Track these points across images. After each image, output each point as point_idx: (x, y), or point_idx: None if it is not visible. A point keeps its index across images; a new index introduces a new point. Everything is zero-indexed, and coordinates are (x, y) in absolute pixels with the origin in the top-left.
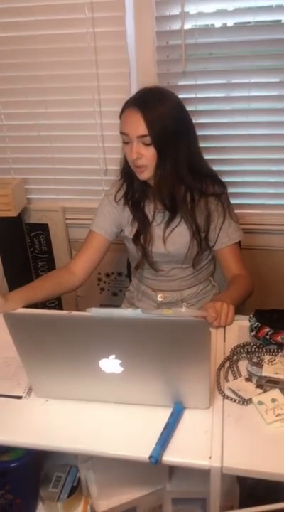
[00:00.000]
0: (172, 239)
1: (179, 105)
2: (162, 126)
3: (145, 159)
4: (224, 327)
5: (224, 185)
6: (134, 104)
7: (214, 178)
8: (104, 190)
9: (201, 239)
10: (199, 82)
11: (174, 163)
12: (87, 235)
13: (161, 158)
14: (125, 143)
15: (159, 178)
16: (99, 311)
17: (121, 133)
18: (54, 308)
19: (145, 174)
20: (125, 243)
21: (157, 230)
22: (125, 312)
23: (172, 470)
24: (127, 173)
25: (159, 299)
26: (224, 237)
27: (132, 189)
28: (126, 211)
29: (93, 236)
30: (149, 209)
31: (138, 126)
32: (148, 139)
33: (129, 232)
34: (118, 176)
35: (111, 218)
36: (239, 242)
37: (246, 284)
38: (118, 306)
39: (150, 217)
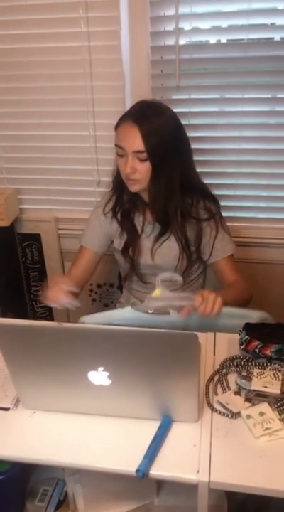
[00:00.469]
0: (161, 252)
1: (175, 120)
2: (159, 143)
3: (139, 174)
4: (214, 335)
5: (216, 201)
6: (132, 118)
7: (205, 192)
8: (97, 201)
9: (190, 253)
10: (192, 97)
11: (168, 179)
12: (79, 249)
13: (156, 173)
14: (119, 155)
15: (153, 192)
16: (92, 317)
17: (117, 145)
18: (45, 318)
19: (137, 187)
20: (114, 255)
21: (146, 241)
22: (115, 312)
23: (160, 484)
24: (118, 183)
25: (148, 311)
26: (218, 250)
27: (121, 200)
28: (115, 223)
29: (83, 251)
30: (138, 221)
31: (135, 141)
32: (143, 155)
33: (118, 244)
34: (110, 186)
35: (99, 231)
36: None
37: (243, 288)
38: None
39: (139, 228)
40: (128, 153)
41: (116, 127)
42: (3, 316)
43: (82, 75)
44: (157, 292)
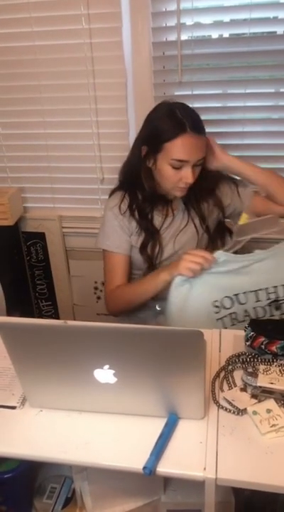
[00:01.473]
0: (180, 237)
1: None
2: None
3: (194, 179)
4: (220, 332)
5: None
6: (189, 128)
7: None
8: (101, 199)
9: (207, 227)
10: (195, 92)
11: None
12: (107, 257)
13: (200, 173)
14: (175, 168)
15: (195, 190)
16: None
17: (177, 160)
18: (50, 317)
19: (186, 191)
20: None
21: (165, 234)
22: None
23: (167, 481)
24: (129, 183)
25: (157, 308)
26: (245, 194)
27: (136, 199)
28: (133, 221)
29: (114, 258)
30: (158, 218)
31: (200, 151)
32: (201, 160)
33: (135, 241)
34: (116, 185)
35: (121, 232)
36: None
37: None
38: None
39: (158, 225)
40: (191, 164)
41: (169, 141)
42: (9, 314)
43: (83, 73)
44: (243, 218)
